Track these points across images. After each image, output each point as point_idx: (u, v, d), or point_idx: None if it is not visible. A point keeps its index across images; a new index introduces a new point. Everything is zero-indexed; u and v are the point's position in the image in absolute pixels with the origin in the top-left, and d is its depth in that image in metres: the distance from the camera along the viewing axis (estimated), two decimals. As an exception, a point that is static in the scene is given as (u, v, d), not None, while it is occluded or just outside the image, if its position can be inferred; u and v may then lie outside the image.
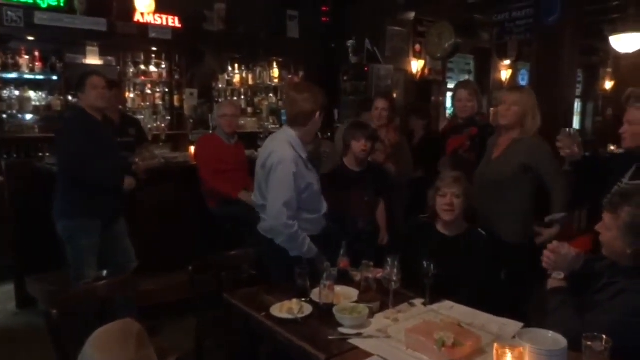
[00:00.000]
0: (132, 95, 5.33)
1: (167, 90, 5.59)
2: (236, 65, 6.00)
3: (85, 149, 2.86)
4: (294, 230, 2.33)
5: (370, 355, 1.62)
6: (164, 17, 5.19)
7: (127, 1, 4.96)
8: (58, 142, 3.03)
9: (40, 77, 4.90)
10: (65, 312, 1.90)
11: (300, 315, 1.88)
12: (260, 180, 2.47)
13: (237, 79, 6.01)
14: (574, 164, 2.46)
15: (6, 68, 4.67)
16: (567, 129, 2.41)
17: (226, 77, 5.93)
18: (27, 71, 4.78)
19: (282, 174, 2.32)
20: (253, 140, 5.23)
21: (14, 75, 4.74)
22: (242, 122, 5.45)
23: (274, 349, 2.04)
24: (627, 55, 6.37)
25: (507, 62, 7.85)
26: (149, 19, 5.10)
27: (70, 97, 4.84)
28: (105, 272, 3.30)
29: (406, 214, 3.61)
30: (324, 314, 1.89)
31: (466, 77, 7.89)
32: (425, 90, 6.72)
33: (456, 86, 3.61)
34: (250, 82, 6.12)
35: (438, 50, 6.16)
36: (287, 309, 1.93)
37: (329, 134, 5.22)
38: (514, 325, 1.81)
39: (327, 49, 6.29)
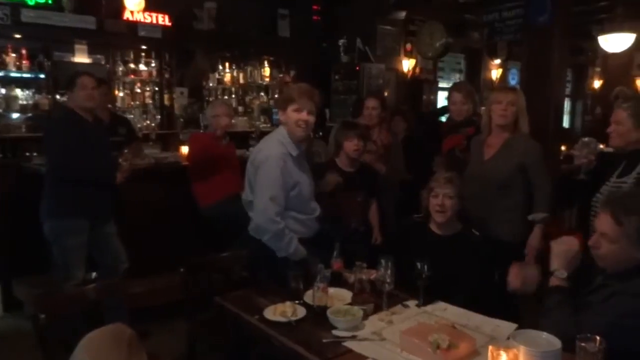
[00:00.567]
0: (121, 94, 5.28)
1: (157, 89, 5.53)
2: (227, 64, 5.95)
3: (74, 149, 2.82)
4: (280, 227, 2.30)
5: (364, 358, 1.61)
6: (154, 15, 5.13)
7: (117, -1, 4.91)
8: (46, 142, 2.99)
9: (28, 75, 4.81)
10: (53, 316, 1.87)
11: (293, 318, 1.87)
12: (250, 177, 2.46)
13: (227, 77, 5.96)
14: (589, 173, 2.45)
15: (-7, 66, 4.60)
16: (585, 139, 2.41)
17: (217, 76, 5.89)
18: (14, 69, 4.69)
19: (269, 169, 2.32)
20: (244, 139, 5.20)
21: (0, 73, 4.66)
22: (233, 121, 5.39)
23: (267, 352, 2.02)
24: (614, 54, 6.43)
25: (498, 61, 7.88)
26: (139, 17, 5.04)
27: (58, 96, 4.77)
28: (94, 274, 3.27)
29: (396, 215, 3.60)
30: (318, 316, 1.88)
31: (457, 76, 7.91)
32: (417, 90, 6.72)
33: (450, 89, 3.62)
34: (241, 81, 6.08)
35: (429, 50, 6.16)
36: (280, 311, 1.91)
37: (321, 133, 5.20)
38: (507, 327, 1.81)
39: (318, 48, 6.27)
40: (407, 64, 6.57)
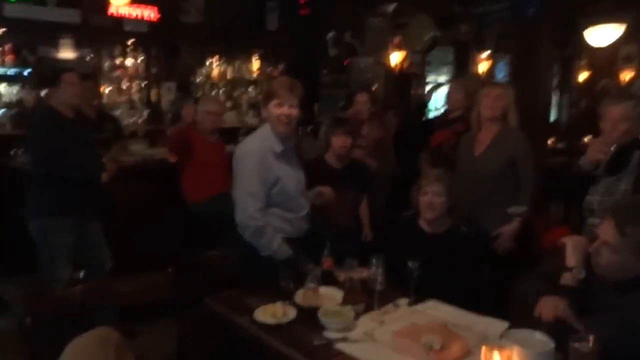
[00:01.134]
0: (107, 90, 5.19)
1: (144, 84, 5.45)
2: (215, 59, 5.88)
3: (57, 148, 2.77)
4: (259, 224, 2.27)
5: (356, 359, 1.60)
6: (140, 9, 5.05)
7: (101, -7, 4.83)
8: (29, 141, 2.94)
9: (12, 71, 4.72)
10: (39, 319, 1.84)
11: (284, 320, 1.86)
12: (234, 173, 2.43)
13: (215, 72, 5.89)
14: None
15: (-25, 62, 4.51)
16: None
17: (204, 70, 5.82)
18: (-3, 65, 4.61)
19: (247, 165, 2.30)
20: (233, 135, 5.15)
21: (-16, 69, 4.58)
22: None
23: (257, 354, 2.01)
24: (600, 48, 6.47)
25: (486, 54, 7.89)
26: (124, 11, 4.96)
27: (42, 93, 4.68)
28: (82, 273, 3.23)
29: (387, 211, 3.60)
30: (309, 317, 1.86)
31: (445, 70, 7.91)
32: (405, 84, 6.71)
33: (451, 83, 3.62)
34: (229, 75, 6.01)
35: (417, 43, 6.15)
36: (270, 312, 1.89)
37: (310, 129, 5.18)
38: (499, 325, 1.81)
39: (307, 41, 6.22)
40: (396, 58, 6.55)
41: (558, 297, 1.53)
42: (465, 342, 1.62)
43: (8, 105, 4.70)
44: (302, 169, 2.54)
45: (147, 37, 5.20)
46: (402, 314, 1.94)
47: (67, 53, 4.92)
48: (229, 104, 5.96)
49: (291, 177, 2.41)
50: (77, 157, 2.88)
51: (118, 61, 5.22)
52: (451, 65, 8.01)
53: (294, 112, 2.33)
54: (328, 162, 3.09)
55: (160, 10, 5.18)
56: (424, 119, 5.83)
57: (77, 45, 4.91)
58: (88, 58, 5.00)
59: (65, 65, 4.10)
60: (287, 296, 2.01)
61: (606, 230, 1.58)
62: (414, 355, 1.55)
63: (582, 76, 9.05)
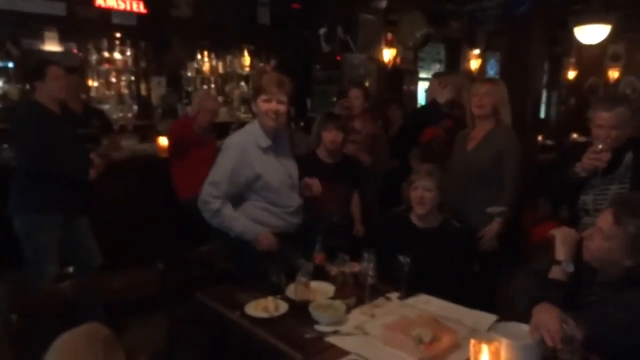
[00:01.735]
0: (96, 84, 5.10)
1: (133, 78, 5.37)
2: (205, 53, 5.82)
3: (44, 144, 2.72)
4: (213, 207, 2.33)
5: (347, 353, 1.60)
6: (128, 1, 4.98)
7: (87, -16, 4.75)
8: (15, 138, 2.88)
9: (-5, 64, 4.64)
10: (26, 316, 1.82)
11: (275, 314, 1.85)
12: None
13: (206, 66, 5.83)
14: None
15: (-43, 55, 4.42)
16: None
17: (195, 65, 5.76)
18: (-20, 58, 4.52)
19: (223, 157, 2.37)
20: (224, 130, 5.12)
21: (-33, 63, 4.49)
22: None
23: (249, 348, 2.00)
24: (589, 45, 6.53)
25: (477, 51, 7.92)
26: (112, 3, 4.88)
27: (28, 86, 4.61)
28: (71, 269, 3.19)
29: (381, 206, 3.60)
30: (300, 311, 1.86)
31: (437, 66, 7.93)
32: (397, 80, 6.72)
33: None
34: (221, 70, 5.95)
35: (410, 40, 6.15)
36: (262, 307, 1.89)
37: (302, 124, 5.16)
38: (488, 318, 1.82)
39: (299, 36, 6.19)
40: (388, 54, 6.55)
41: (550, 304, 1.51)
42: (455, 335, 1.62)
43: (-8, 99, 4.62)
44: (294, 164, 2.54)
45: (135, 30, 5.12)
46: (393, 308, 1.94)
47: (52, 46, 4.84)
48: (220, 98, 5.91)
49: (277, 171, 2.41)
50: (63, 153, 2.82)
51: (106, 55, 5.14)
52: (443, 62, 8.03)
53: (282, 107, 2.35)
54: (319, 157, 3.08)
55: (149, 3, 5.11)
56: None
57: (63, 38, 4.83)
58: (75, 51, 4.92)
59: (51, 58, 4.02)
60: (278, 290, 2.01)
61: (604, 218, 1.60)
62: (404, 348, 1.55)
63: (571, 74, 9.14)
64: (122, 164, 3.86)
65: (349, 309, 1.88)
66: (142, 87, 5.38)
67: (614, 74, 8.33)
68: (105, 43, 5.11)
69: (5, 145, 3.99)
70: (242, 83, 6.07)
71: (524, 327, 1.53)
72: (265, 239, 2.34)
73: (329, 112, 3.44)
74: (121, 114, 5.09)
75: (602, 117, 2.16)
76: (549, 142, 7.31)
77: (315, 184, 2.57)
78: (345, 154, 3.19)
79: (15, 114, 2.98)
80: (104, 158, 3.17)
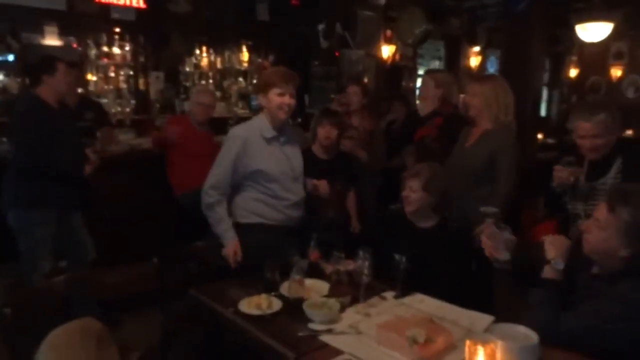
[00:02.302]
0: (94, 78, 5.10)
1: (131, 73, 5.36)
2: (204, 48, 5.80)
3: (42, 141, 2.71)
4: (209, 200, 2.42)
5: (340, 352, 1.58)
6: (127, -4, 4.96)
7: (87, -21, 4.72)
8: (14, 132, 2.86)
9: (-5, 57, 4.62)
10: (19, 310, 1.81)
11: (268, 311, 1.84)
12: None
13: (205, 62, 5.81)
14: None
15: (-43, 48, 4.40)
16: (566, 159, 2.27)
17: (193, 60, 5.74)
18: (-20, 51, 4.50)
19: (225, 147, 2.44)
20: (222, 125, 5.10)
21: (-34, 56, 4.47)
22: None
23: (242, 345, 1.99)
24: (591, 43, 6.49)
25: (477, 49, 7.89)
26: (111, -3, 4.86)
27: (28, 80, 4.59)
28: (64, 263, 3.18)
29: (379, 203, 3.59)
30: (294, 309, 1.85)
31: (437, 63, 7.90)
32: (396, 76, 6.69)
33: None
34: (219, 65, 5.94)
35: (409, 36, 6.12)
36: (255, 304, 1.88)
37: (299, 120, 5.14)
38: (485, 319, 1.80)
39: (297, 32, 6.16)
40: (387, 51, 6.53)
41: None
42: (450, 336, 1.61)
43: (-9, 92, 4.60)
44: (299, 156, 2.57)
45: (134, 25, 5.11)
46: (388, 307, 1.93)
47: (52, 40, 4.82)
48: (218, 94, 5.90)
49: (279, 162, 2.44)
50: (61, 149, 2.81)
51: (105, 49, 5.12)
52: (442, 59, 8.00)
53: (293, 101, 2.44)
54: (314, 153, 3.07)
55: (148, -1, 5.09)
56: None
57: (63, 32, 4.81)
58: (74, 45, 4.91)
59: (53, 53, 4.00)
60: (272, 288, 2.00)
61: (600, 210, 1.61)
62: (398, 348, 1.54)
63: (573, 72, 9.10)
64: (119, 159, 3.84)
65: (343, 308, 1.87)
66: (141, 81, 5.37)
67: (616, 72, 8.29)
68: (104, 38, 5.10)
69: (4, 139, 3.98)
70: (240, 79, 6.05)
71: (521, 329, 1.52)
72: (230, 253, 2.40)
73: (325, 108, 3.43)
74: (119, 109, 5.08)
75: (583, 128, 2.13)
76: (549, 140, 7.28)
77: (322, 185, 2.61)
78: (341, 150, 3.18)
79: (15, 109, 2.96)
80: (99, 154, 3.15)
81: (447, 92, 3.33)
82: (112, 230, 3.64)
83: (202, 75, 5.79)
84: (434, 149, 3.07)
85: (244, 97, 6.06)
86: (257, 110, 5.71)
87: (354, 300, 1.95)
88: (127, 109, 5.16)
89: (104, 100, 4.93)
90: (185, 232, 3.44)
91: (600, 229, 1.58)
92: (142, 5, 5.06)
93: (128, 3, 4.98)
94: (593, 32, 5.90)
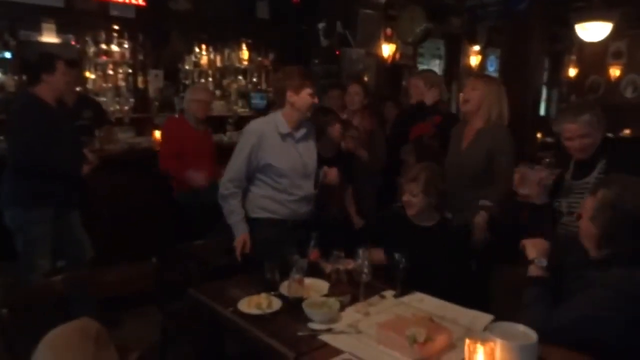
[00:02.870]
0: (93, 76, 5.08)
1: (130, 71, 5.34)
2: (203, 46, 5.79)
3: (40, 140, 2.69)
4: (224, 193, 2.49)
5: (341, 352, 1.58)
6: (127, -7, 4.94)
7: (86, -24, 4.71)
8: (12, 131, 2.85)
9: (-8, 54, 4.60)
10: (17, 310, 1.80)
11: (268, 311, 1.83)
12: None
13: (204, 60, 5.80)
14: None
15: (-46, 45, 4.38)
16: (546, 160, 2.26)
17: (193, 58, 5.72)
18: (-23, 49, 4.48)
19: (241, 141, 2.51)
20: (221, 124, 5.09)
21: (-36, 53, 4.46)
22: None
23: (241, 344, 1.99)
24: (590, 43, 6.49)
25: (477, 48, 7.89)
26: (110, -5, 4.85)
27: (25, 77, 4.57)
28: (63, 262, 3.17)
29: (379, 203, 3.58)
30: (294, 308, 1.84)
31: (437, 62, 7.89)
32: (396, 75, 6.69)
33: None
34: (219, 63, 5.92)
35: (409, 35, 6.11)
36: (255, 303, 1.87)
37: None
38: (484, 318, 1.80)
39: (298, 31, 6.15)
40: (388, 49, 6.52)
41: None
42: (450, 335, 1.61)
43: (-12, 90, 4.58)
44: (313, 154, 2.61)
45: (134, 22, 5.09)
46: (387, 306, 1.92)
47: (50, 37, 4.80)
48: (218, 92, 5.89)
49: (291, 158, 2.49)
50: (59, 148, 2.80)
51: (104, 47, 5.11)
52: (442, 58, 7.99)
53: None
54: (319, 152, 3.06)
55: (147, -4, 5.07)
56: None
57: (61, 29, 4.79)
58: (72, 42, 4.89)
59: (51, 50, 3.98)
60: (272, 287, 1.99)
61: (587, 199, 1.68)
62: (398, 348, 1.54)
63: (572, 71, 9.10)
64: (117, 157, 3.83)
65: (343, 307, 1.86)
66: (140, 80, 5.35)
67: (615, 71, 8.29)
68: (103, 35, 5.08)
69: (1, 137, 3.97)
70: (240, 77, 6.04)
71: (520, 327, 1.52)
72: (239, 245, 2.47)
73: (323, 108, 3.42)
74: (118, 107, 5.07)
75: (569, 129, 2.14)
76: (548, 139, 7.29)
77: (331, 172, 2.65)
78: (341, 149, 3.17)
79: (12, 107, 2.94)
80: (97, 153, 3.14)
81: (441, 90, 3.35)
82: (110, 229, 3.62)
83: (202, 73, 5.78)
84: (432, 146, 3.06)
85: (244, 95, 6.04)
86: (257, 109, 5.71)
87: (354, 300, 1.95)
88: (126, 107, 5.14)
89: (102, 99, 4.91)
90: (185, 232, 3.44)
91: (585, 214, 1.65)
92: (141, 2, 5.05)
93: (127, 0, 4.97)
94: (592, 31, 5.89)
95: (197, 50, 5.71)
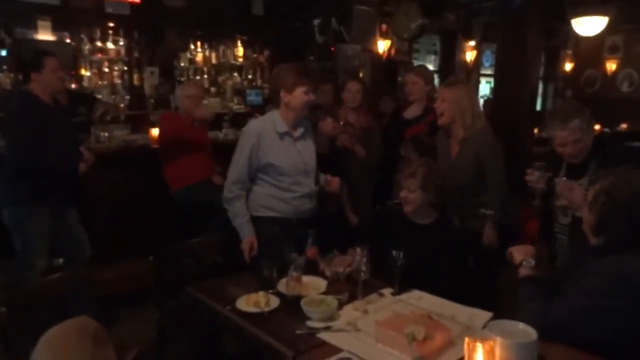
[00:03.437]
0: (88, 74, 5.05)
1: (126, 68, 5.31)
2: (199, 43, 5.76)
3: (37, 138, 2.68)
4: (229, 196, 2.48)
5: (339, 350, 1.58)
6: (121, -10, 4.91)
7: (80, -27, 4.67)
8: (8, 130, 2.83)
9: (-13, 52, 4.57)
10: (15, 309, 1.79)
11: (266, 309, 1.83)
12: None
13: (199, 57, 5.77)
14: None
15: (-51, 43, 4.35)
16: (537, 163, 2.29)
17: (188, 55, 5.70)
18: (-28, 47, 4.45)
19: (241, 141, 2.49)
20: (216, 121, 5.07)
21: (-42, 51, 4.42)
22: (205, 102, 5.25)
23: (239, 343, 1.99)
24: (586, 37, 6.49)
25: (472, 43, 7.88)
26: (105, -8, 4.81)
27: (20, 76, 4.54)
28: (61, 260, 3.17)
29: (375, 200, 3.58)
30: (292, 306, 1.84)
31: (432, 57, 7.89)
32: (392, 71, 6.67)
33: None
34: (214, 60, 5.90)
35: (405, 31, 6.10)
36: (253, 301, 1.87)
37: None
38: (483, 316, 1.81)
39: (293, 27, 6.12)
40: (383, 45, 6.50)
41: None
42: (449, 333, 1.61)
43: (-17, 88, 4.55)
44: (312, 151, 2.60)
45: (129, 20, 5.06)
46: (385, 304, 1.92)
47: (45, 35, 4.77)
48: (213, 89, 5.87)
49: (291, 156, 2.48)
50: (55, 147, 2.79)
51: (99, 44, 5.08)
52: (438, 53, 7.98)
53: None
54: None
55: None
56: None
57: (56, 27, 4.76)
58: (68, 40, 4.86)
59: (46, 48, 3.95)
60: (270, 285, 1.99)
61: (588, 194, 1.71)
62: (397, 346, 1.54)
63: (568, 66, 9.11)
64: (113, 155, 3.82)
65: (341, 305, 1.87)
66: (135, 77, 5.32)
67: (611, 66, 8.31)
68: (98, 33, 5.06)
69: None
70: (235, 74, 6.02)
71: (519, 325, 1.52)
72: (246, 248, 2.47)
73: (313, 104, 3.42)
74: (113, 104, 5.04)
75: (560, 136, 2.16)
76: (544, 134, 7.29)
77: (334, 181, 2.65)
78: (336, 146, 3.17)
79: (9, 105, 2.93)
80: (94, 150, 3.13)
81: (433, 87, 3.36)
82: (108, 227, 3.62)
83: (197, 70, 5.75)
84: (430, 143, 3.06)
85: (239, 92, 6.02)
86: (252, 106, 5.69)
87: (352, 297, 1.95)
88: (122, 105, 5.12)
89: (98, 96, 4.87)
90: (182, 229, 3.44)
91: (586, 205, 1.69)
92: (136, -1, 5.02)
93: (122, -3, 4.93)
94: (588, 26, 5.90)
95: (192, 47, 5.69)
